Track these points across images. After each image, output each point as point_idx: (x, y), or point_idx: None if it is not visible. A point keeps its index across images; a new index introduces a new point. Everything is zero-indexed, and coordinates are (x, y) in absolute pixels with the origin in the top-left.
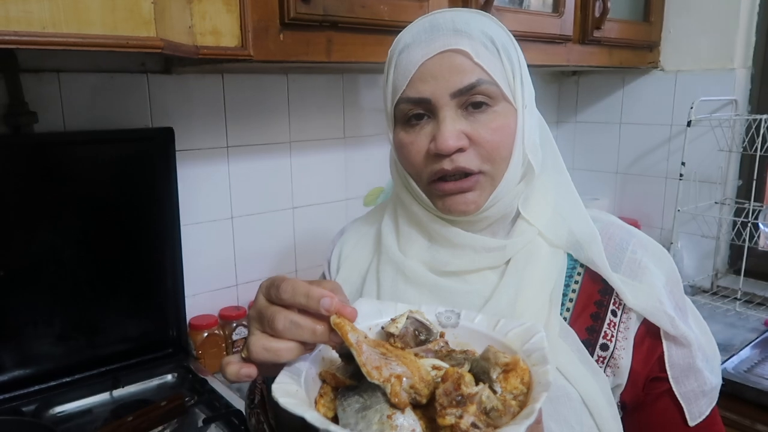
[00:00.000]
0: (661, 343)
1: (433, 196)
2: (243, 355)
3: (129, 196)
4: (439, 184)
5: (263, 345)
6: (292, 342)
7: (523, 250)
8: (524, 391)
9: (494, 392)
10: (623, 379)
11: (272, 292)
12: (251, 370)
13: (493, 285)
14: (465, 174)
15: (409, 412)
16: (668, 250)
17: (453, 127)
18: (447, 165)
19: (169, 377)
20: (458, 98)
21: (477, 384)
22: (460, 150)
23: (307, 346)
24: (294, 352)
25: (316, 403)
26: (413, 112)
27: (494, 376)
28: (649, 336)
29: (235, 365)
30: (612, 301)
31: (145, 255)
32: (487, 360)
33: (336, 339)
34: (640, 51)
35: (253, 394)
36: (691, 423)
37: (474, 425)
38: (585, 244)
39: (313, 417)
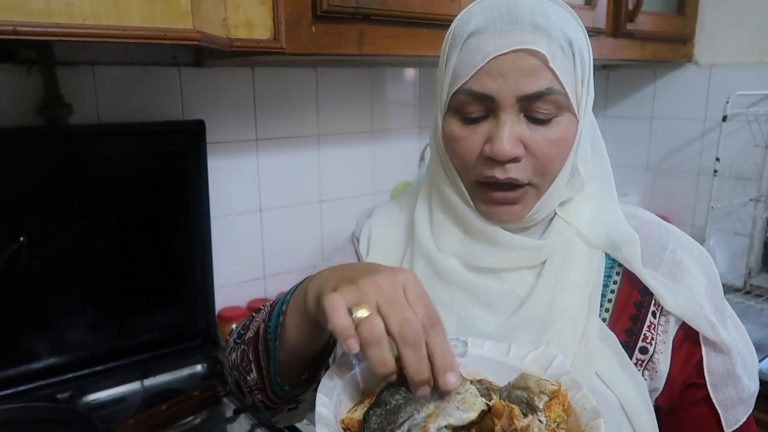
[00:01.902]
0: (700, 348)
1: (477, 198)
2: (354, 317)
3: (160, 187)
4: (485, 190)
5: (384, 350)
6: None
7: (560, 250)
8: (565, 418)
9: (540, 422)
10: (660, 383)
11: (428, 311)
12: (356, 345)
13: (530, 285)
14: (514, 185)
15: None
16: None
17: (512, 132)
18: (500, 174)
19: (198, 368)
20: (523, 102)
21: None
22: (515, 160)
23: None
24: (390, 369)
25: None
26: (472, 108)
27: (540, 405)
28: (688, 340)
29: (347, 321)
30: (653, 302)
31: (176, 246)
32: (526, 389)
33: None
34: (673, 44)
35: (246, 329)
36: (727, 430)
37: None
38: (623, 245)
39: None
